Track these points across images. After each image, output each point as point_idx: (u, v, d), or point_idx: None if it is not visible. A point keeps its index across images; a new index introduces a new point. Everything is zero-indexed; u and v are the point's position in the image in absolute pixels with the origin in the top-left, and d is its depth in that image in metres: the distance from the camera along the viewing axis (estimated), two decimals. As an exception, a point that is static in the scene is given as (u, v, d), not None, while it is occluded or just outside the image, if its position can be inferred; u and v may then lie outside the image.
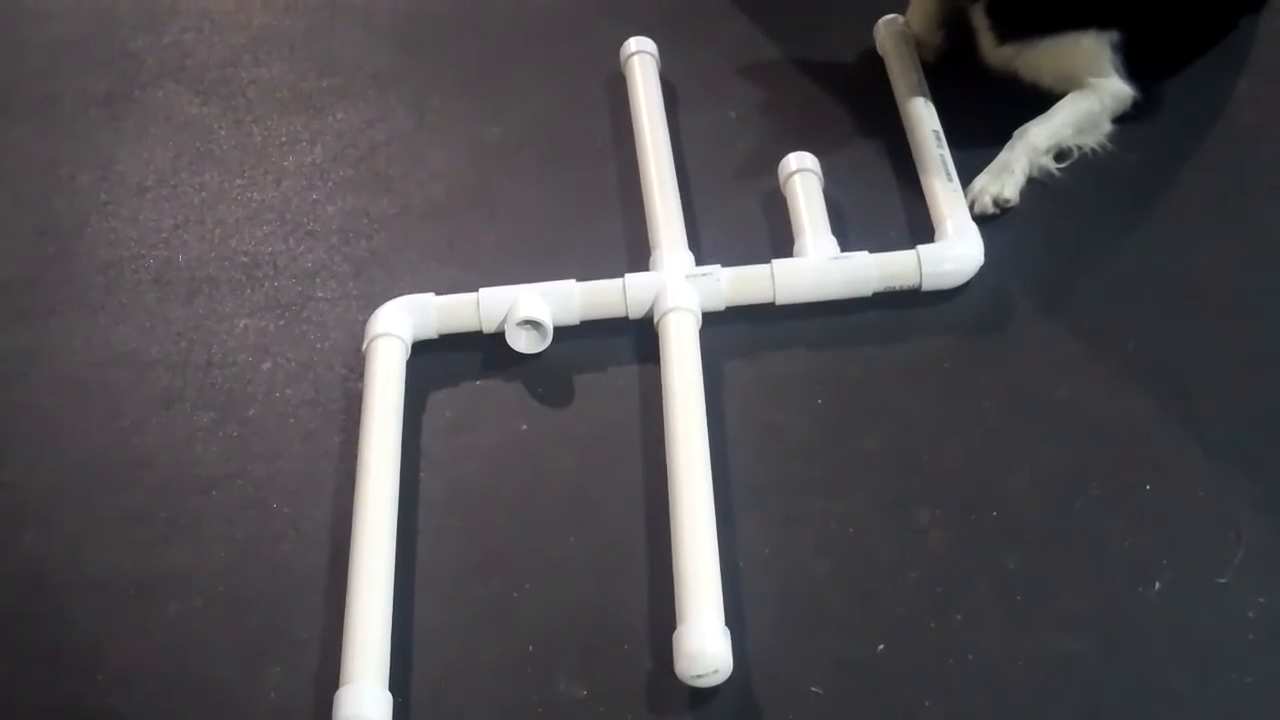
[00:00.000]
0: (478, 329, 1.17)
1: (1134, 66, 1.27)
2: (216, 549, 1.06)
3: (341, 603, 0.99)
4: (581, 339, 1.16)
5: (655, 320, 1.15)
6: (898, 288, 1.17)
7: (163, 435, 1.14)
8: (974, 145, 1.26)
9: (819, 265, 1.18)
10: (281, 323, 1.21)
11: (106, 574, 1.05)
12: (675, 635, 0.95)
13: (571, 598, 1.01)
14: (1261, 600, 0.96)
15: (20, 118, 1.43)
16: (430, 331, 1.17)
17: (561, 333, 1.15)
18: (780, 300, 1.17)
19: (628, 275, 1.17)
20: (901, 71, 1.34)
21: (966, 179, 1.24)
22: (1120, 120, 1.27)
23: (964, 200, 1.22)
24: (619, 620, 0.99)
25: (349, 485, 1.06)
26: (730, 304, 1.17)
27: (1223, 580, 0.97)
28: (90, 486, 1.11)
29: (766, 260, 1.18)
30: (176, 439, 1.14)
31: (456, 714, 0.96)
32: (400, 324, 1.16)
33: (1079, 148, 1.27)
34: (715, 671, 0.93)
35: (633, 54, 1.38)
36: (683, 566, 0.98)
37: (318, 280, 1.25)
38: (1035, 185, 1.24)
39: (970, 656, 0.95)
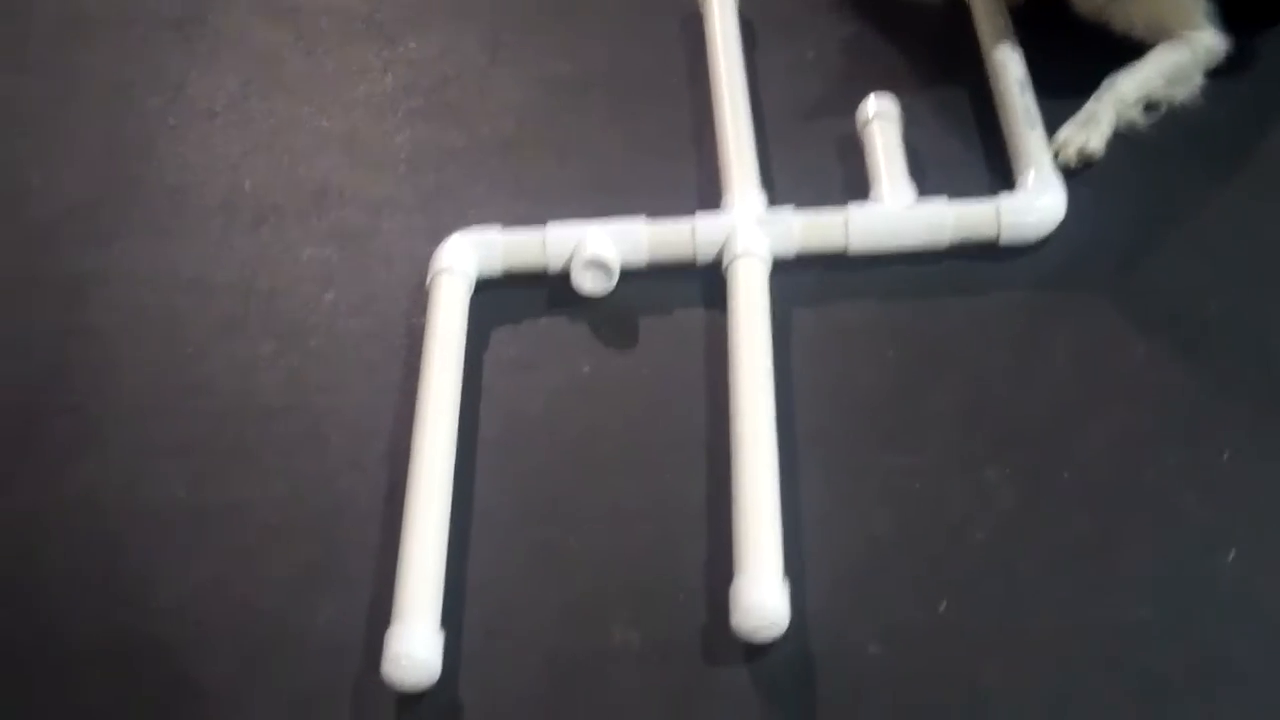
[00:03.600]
0: (544, 267, 1.15)
1: (1229, 18, 1.23)
2: (273, 480, 1.06)
3: (397, 540, 0.98)
4: (648, 281, 1.14)
5: (724, 265, 1.13)
6: (975, 239, 1.14)
7: (224, 363, 1.13)
8: (1060, 95, 1.22)
9: (895, 214, 1.15)
10: (346, 253, 1.20)
11: (162, 503, 1.05)
12: (732, 587, 0.93)
13: (628, 545, 0.99)
14: (1339, 576, 0.93)
15: (91, 38, 1.42)
16: (495, 268, 1.15)
17: (628, 274, 1.13)
18: (853, 249, 1.14)
19: (698, 216, 1.15)
20: (987, 15, 1.30)
21: (1051, 129, 1.20)
22: (1212, 74, 1.23)
23: (1048, 151, 1.18)
24: (675, 570, 0.97)
25: (408, 421, 1.05)
26: (802, 251, 1.14)
27: (1299, 554, 0.95)
28: (150, 413, 1.11)
29: (840, 205, 1.15)
30: (237, 367, 1.13)
31: (507, 657, 0.95)
32: (465, 259, 1.14)
33: (1168, 101, 1.22)
34: (772, 625, 0.92)
35: (711, -10, 1.36)
36: (742, 516, 0.96)
37: (384, 212, 1.23)
38: (1121, 138, 1.20)
39: (1034, 621, 0.92)
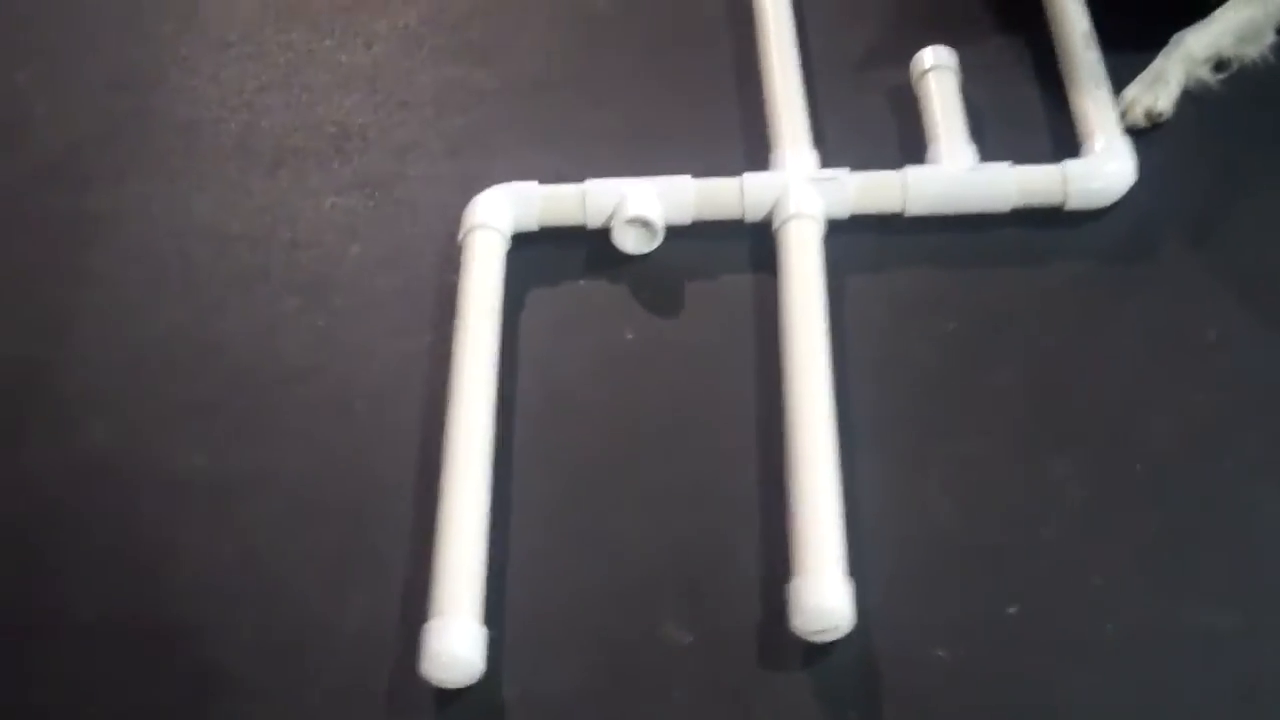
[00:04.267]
0: (582, 223, 1.08)
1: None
2: (296, 450, 1.00)
3: (431, 520, 0.92)
4: (693, 240, 1.08)
5: (775, 227, 1.07)
6: (1038, 205, 1.08)
7: (243, 319, 1.07)
8: (1125, 51, 1.15)
9: (955, 176, 1.08)
10: (371, 203, 1.13)
11: (178, 470, 0.99)
12: (791, 586, 0.88)
13: (677, 530, 0.94)
14: None
15: (96, -44, 1.34)
16: (531, 223, 1.09)
17: (672, 233, 1.07)
18: (910, 211, 1.08)
19: (746, 175, 1.08)
20: (1051, -37, 1.23)
21: (1116, 88, 1.13)
22: (1286, 31, 1.17)
23: (1115, 111, 1.12)
24: (728, 560, 0.92)
25: (440, 388, 0.99)
26: (855, 213, 1.08)
27: (1393, 558, 0.90)
28: (164, 370, 1.04)
29: (893, 164, 1.09)
30: (257, 325, 1.07)
31: (554, 651, 0.89)
32: (500, 215, 1.07)
33: (1239, 59, 1.16)
34: (835, 628, 0.87)
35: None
36: (801, 510, 0.90)
37: (409, 157, 1.16)
38: (1189, 98, 1.14)
39: (1110, 627, 0.88)
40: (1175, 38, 1.15)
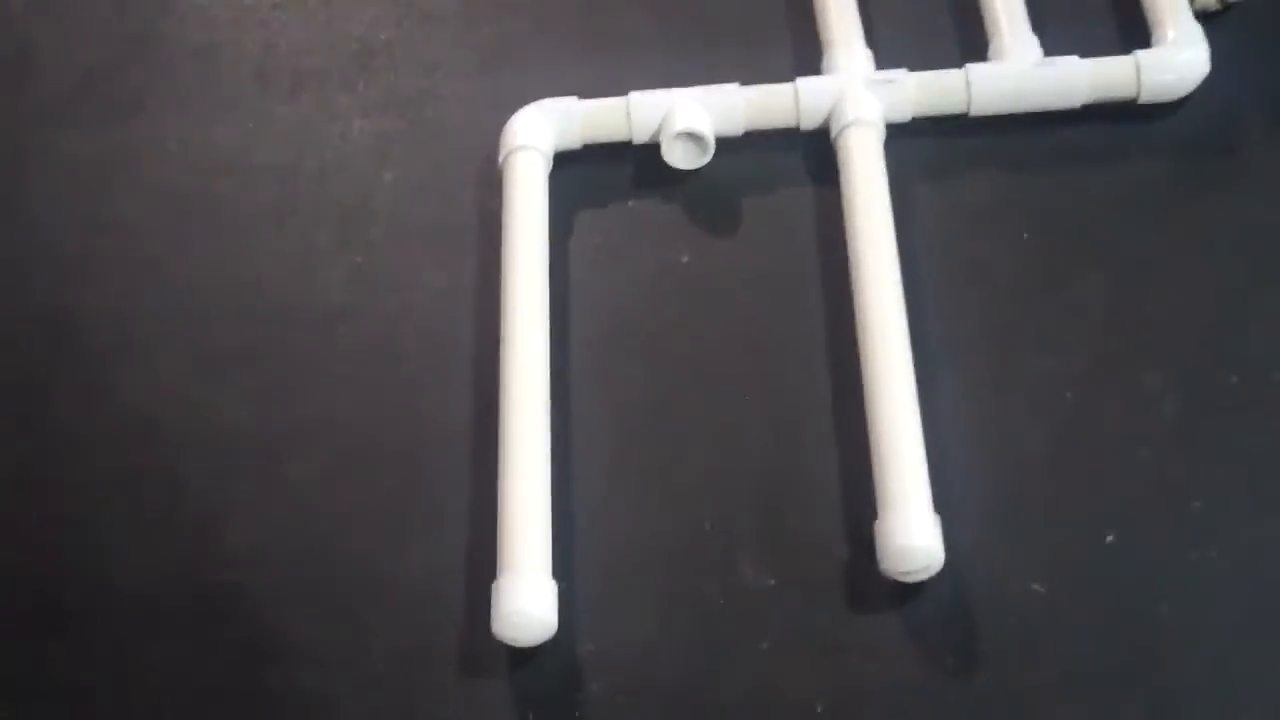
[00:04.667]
0: (627, 139, 1.02)
1: None
2: (344, 396, 0.95)
3: (491, 467, 0.87)
4: (745, 151, 1.01)
5: (833, 135, 1.00)
6: (1110, 100, 1.02)
7: (275, 258, 1.01)
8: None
9: (1022, 72, 1.02)
10: (401, 125, 1.07)
11: (221, 422, 0.94)
12: (877, 525, 0.83)
13: (751, 467, 0.89)
14: None
15: None
16: (573, 141, 1.02)
17: (722, 145, 1.01)
18: (975, 111, 1.02)
19: (799, 80, 1.02)
20: None
21: (1186, -32, 1.07)
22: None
23: (1185, -4, 1.05)
24: (808, 497, 0.87)
25: (490, 322, 0.94)
26: (916, 115, 1.02)
27: None
28: (197, 318, 0.99)
29: (951, 62, 1.02)
30: (291, 263, 1.01)
31: (627, 602, 0.85)
32: (541, 134, 1.01)
33: (1314, -70, 1.09)
34: (926, 568, 0.82)
35: None
36: (883, 443, 0.85)
37: (439, 74, 1.09)
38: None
39: (1213, 552, 0.83)
40: (1245, -89, 1.09)
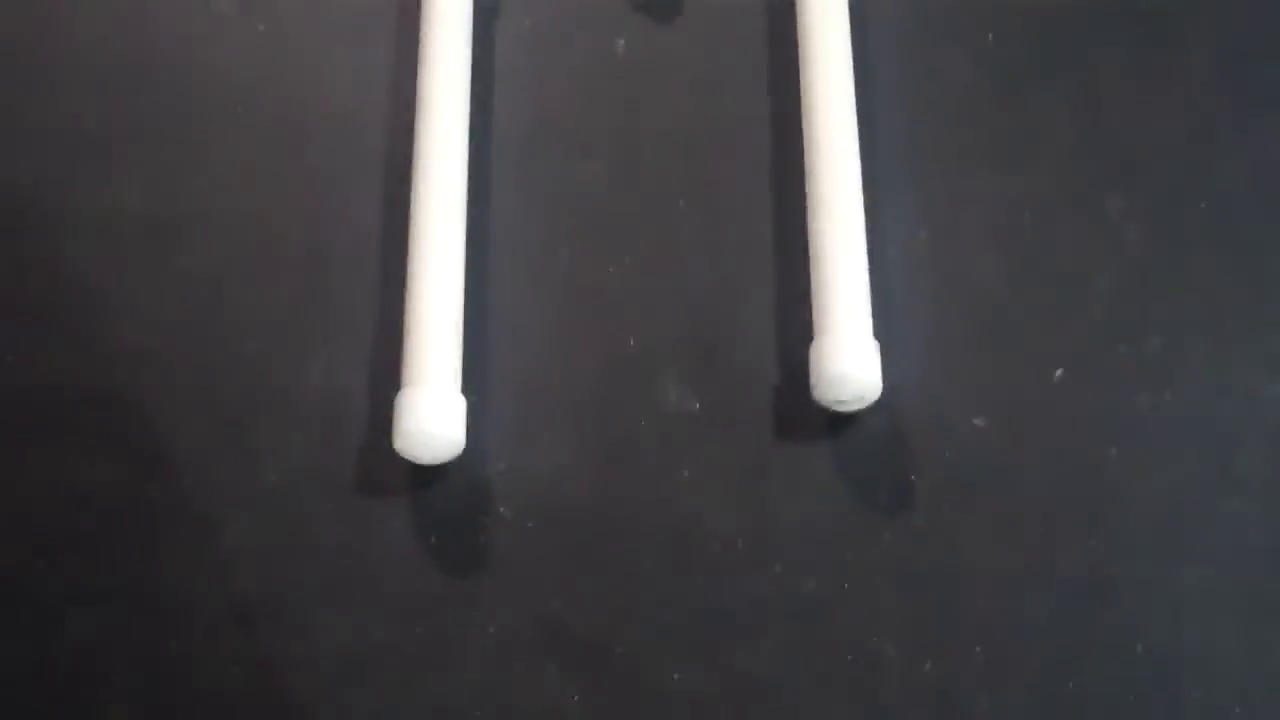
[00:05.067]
0: (563, -91, 0.93)
1: None
2: (244, 186, 0.87)
3: (401, 266, 0.80)
4: (692, -69, 0.93)
5: (789, -82, 0.92)
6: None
7: (170, 27, 0.92)
8: None
9: None
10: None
11: (107, 210, 0.86)
12: (812, 349, 0.77)
13: (682, 281, 0.82)
14: None
15: None
16: (502, -91, 0.93)
17: (667, -78, 0.92)
18: (944, -101, 0.93)
19: None
20: None
21: None
22: None
23: None
24: (739, 317, 0.81)
25: (408, 112, 0.86)
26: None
27: None
28: (83, 88, 0.90)
29: None
30: (188, 33, 0.92)
31: (543, 420, 0.79)
32: (468, -99, 0.92)
33: None
34: (861, 397, 0.77)
35: None
36: (823, 263, 0.79)
37: None
38: None
39: (1168, 395, 0.78)
40: None
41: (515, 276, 0.83)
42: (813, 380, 0.76)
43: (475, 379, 0.79)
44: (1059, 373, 0.79)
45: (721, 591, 0.74)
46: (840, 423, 0.78)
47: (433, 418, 0.75)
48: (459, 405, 0.77)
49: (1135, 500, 0.75)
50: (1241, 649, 0.72)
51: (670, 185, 0.86)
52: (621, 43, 0.91)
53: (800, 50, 0.86)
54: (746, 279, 0.82)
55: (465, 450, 0.77)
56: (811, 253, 0.80)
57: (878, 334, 0.78)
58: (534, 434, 0.79)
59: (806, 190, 0.82)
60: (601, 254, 0.84)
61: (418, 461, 0.76)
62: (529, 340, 0.81)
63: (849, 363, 0.76)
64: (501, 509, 0.77)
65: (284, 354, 0.82)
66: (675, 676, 0.73)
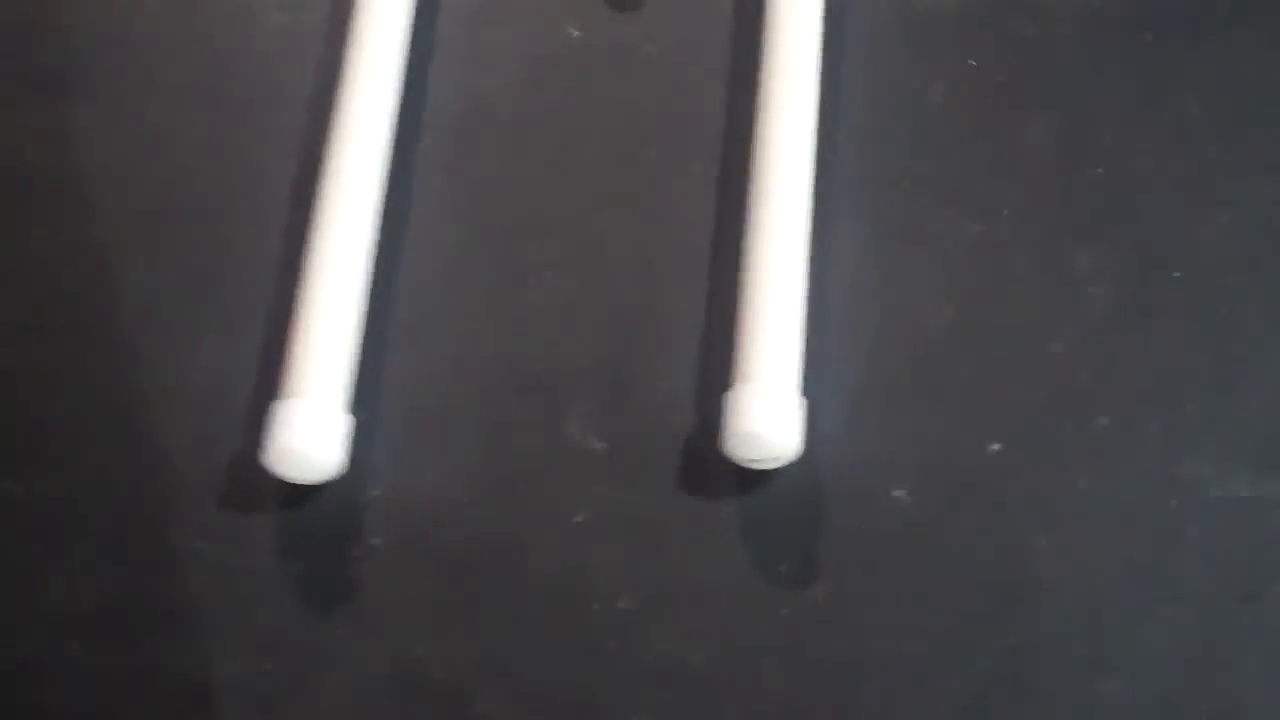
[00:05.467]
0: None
1: None
2: (153, 145, 0.81)
3: (301, 248, 0.74)
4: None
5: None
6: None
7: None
8: None
9: None
10: None
11: (10, 163, 0.80)
12: (727, 398, 0.71)
13: (604, 302, 0.76)
14: None
15: None
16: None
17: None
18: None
19: None
20: None
21: None
22: None
23: None
24: (664, 348, 0.75)
25: (333, 83, 0.79)
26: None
27: None
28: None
29: None
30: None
31: (434, 443, 0.73)
32: None
33: None
34: (777, 457, 0.70)
35: None
36: (753, 300, 0.72)
37: None
38: None
39: (1109, 483, 0.71)
40: None
41: (426, 281, 0.77)
42: (724, 434, 0.70)
43: (367, 392, 0.73)
44: (996, 446, 0.72)
45: (599, 654, 0.69)
46: (751, 479, 0.72)
47: (308, 436, 0.70)
48: (340, 423, 0.71)
49: (1060, 596, 0.69)
50: (1153, 776, 0.66)
51: (607, 193, 0.79)
52: (575, 31, 0.84)
53: (763, 56, 0.80)
54: (674, 306, 0.76)
55: (345, 472, 0.71)
56: (742, 287, 0.73)
57: (806, 382, 0.71)
58: (420, 459, 0.73)
59: (747, 216, 0.75)
60: (522, 263, 0.77)
61: (288, 479, 0.71)
62: (430, 354, 0.75)
63: (763, 422, 0.69)
64: (373, 540, 0.71)
65: (170, 341, 0.76)
66: (537, 743, 0.68)
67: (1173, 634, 0.68)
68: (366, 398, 0.73)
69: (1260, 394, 0.73)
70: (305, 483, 0.71)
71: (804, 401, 0.71)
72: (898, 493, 0.71)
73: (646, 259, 0.77)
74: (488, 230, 0.78)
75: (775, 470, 0.71)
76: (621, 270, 0.77)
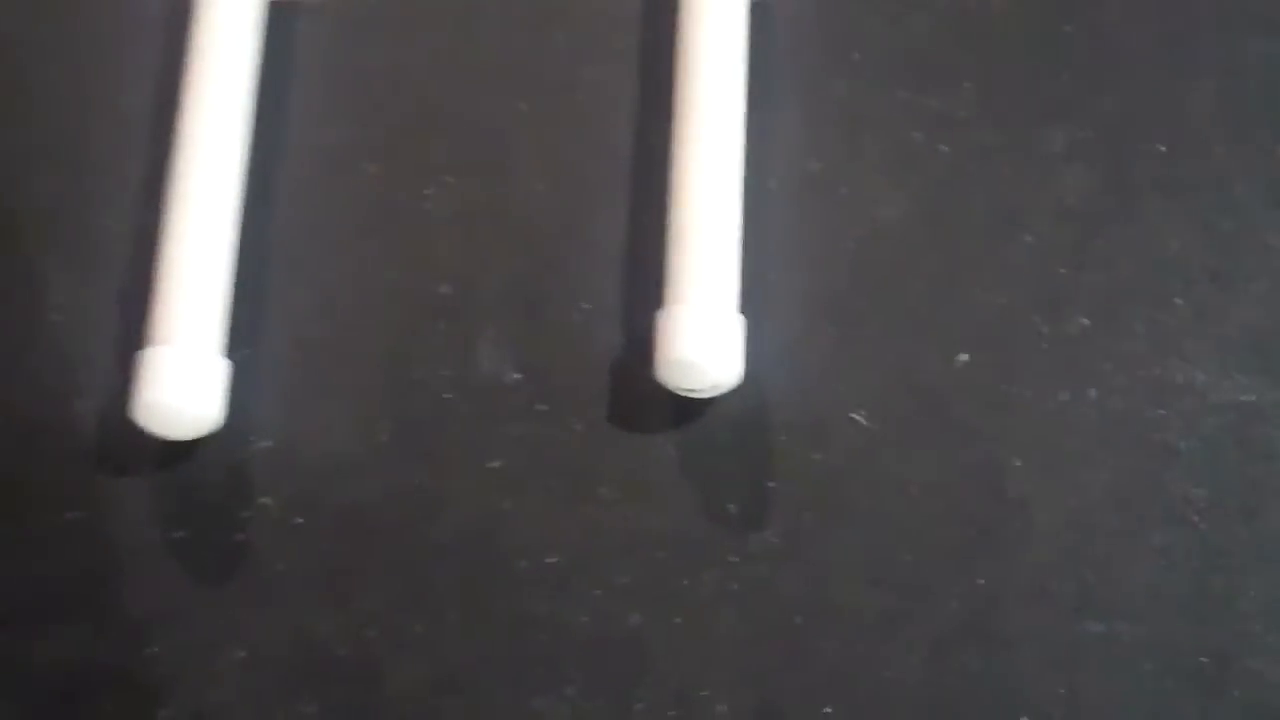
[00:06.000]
0: None
1: None
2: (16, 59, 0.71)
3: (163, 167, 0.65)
4: None
5: None
6: None
7: None
8: None
9: None
10: None
11: None
12: (660, 317, 0.62)
13: (516, 218, 0.67)
14: None
15: None
16: None
17: None
18: None
19: None
20: None
21: None
22: None
23: None
24: (586, 265, 0.66)
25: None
26: None
27: None
28: None
29: None
30: None
31: (327, 386, 0.64)
32: None
33: None
34: (715, 386, 0.62)
35: None
36: (682, 205, 0.63)
37: None
38: None
39: (1092, 392, 0.63)
40: None
41: (308, 197, 0.67)
42: (657, 360, 0.62)
43: (245, 329, 0.64)
44: (963, 357, 0.64)
45: (526, 619, 0.61)
46: (689, 410, 0.63)
47: (177, 388, 0.61)
48: (215, 371, 0.62)
49: (1038, 526, 0.61)
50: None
51: (513, 82, 0.70)
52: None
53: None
54: (594, 213, 0.67)
55: (225, 425, 0.63)
56: (670, 190, 0.64)
57: (745, 296, 0.63)
58: (310, 404, 0.64)
59: (674, 103, 0.66)
60: (417, 171, 0.68)
61: (161, 434, 0.62)
62: (315, 281, 0.66)
63: (699, 348, 0.61)
64: (263, 499, 0.63)
65: (27, 281, 0.66)
66: (458, 723, 0.60)
67: (1165, 564, 0.61)
68: (245, 335, 0.64)
69: (1257, 282, 0.64)
70: (181, 438, 0.62)
71: (743, 320, 0.62)
72: (855, 415, 0.63)
73: (560, 159, 0.68)
74: (371, 134, 0.69)
75: (715, 399, 0.63)
76: (531, 173, 0.68)
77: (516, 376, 0.64)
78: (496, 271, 0.66)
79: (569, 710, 0.60)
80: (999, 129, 0.67)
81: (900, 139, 0.67)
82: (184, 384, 0.61)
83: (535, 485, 0.63)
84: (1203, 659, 0.59)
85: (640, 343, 0.63)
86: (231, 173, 0.65)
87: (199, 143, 0.65)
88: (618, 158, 0.67)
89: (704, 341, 0.60)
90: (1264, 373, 0.63)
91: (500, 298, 0.65)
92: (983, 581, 0.61)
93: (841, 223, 0.66)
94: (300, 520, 0.62)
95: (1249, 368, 0.63)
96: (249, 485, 0.63)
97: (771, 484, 0.62)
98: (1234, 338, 0.64)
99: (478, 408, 0.64)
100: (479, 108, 0.69)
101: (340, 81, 0.70)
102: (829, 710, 0.59)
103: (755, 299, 0.63)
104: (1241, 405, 0.62)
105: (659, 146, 0.66)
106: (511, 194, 0.67)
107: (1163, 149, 0.67)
